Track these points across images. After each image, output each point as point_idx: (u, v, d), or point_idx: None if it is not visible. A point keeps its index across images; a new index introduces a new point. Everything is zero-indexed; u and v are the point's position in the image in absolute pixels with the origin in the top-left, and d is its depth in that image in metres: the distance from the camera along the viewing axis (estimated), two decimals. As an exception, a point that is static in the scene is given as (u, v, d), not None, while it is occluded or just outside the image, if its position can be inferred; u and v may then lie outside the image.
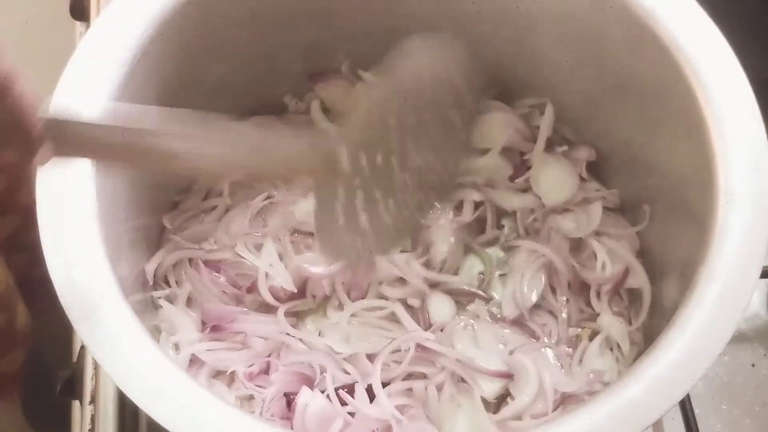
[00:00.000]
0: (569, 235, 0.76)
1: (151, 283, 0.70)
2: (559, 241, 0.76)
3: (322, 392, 0.67)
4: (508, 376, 0.69)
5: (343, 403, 0.67)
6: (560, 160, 0.78)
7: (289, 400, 0.68)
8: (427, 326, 0.72)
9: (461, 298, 0.75)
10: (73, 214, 0.55)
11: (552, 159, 0.78)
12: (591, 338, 0.72)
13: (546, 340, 0.73)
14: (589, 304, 0.74)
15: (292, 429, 0.65)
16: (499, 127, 0.79)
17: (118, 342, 0.52)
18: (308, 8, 0.71)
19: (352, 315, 0.73)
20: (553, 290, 0.75)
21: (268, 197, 0.77)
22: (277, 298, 0.72)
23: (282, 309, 0.71)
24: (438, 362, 0.69)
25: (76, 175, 0.56)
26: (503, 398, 0.70)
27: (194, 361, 0.68)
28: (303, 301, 0.73)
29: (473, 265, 0.77)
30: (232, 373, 0.68)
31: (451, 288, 0.75)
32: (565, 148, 0.79)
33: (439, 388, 0.69)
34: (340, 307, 0.73)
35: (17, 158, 0.84)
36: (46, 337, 0.86)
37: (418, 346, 0.69)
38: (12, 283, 0.84)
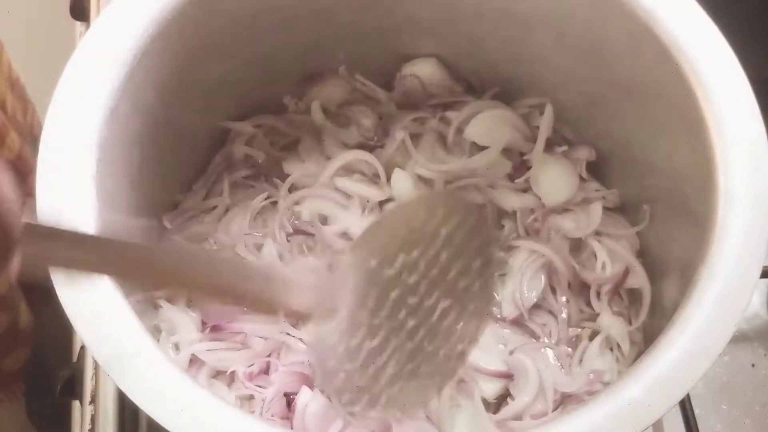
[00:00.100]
0: (569, 235, 0.76)
1: (151, 283, 0.70)
2: (559, 241, 0.76)
3: (322, 392, 0.67)
4: (508, 376, 0.69)
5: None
6: (560, 160, 0.78)
7: (289, 400, 0.68)
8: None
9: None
10: (73, 214, 0.55)
11: (552, 159, 0.78)
12: (591, 338, 0.72)
13: (546, 340, 0.73)
14: (589, 304, 0.74)
15: (292, 429, 0.65)
16: (499, 126, 0.79)
17: (118, 342, 0.52)
18: (308, 8, 0.71)
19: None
20: (553, 290, 0.75)
21: (269, 197, 0.77)
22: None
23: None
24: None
25: (77, 175, 0.56)
26: (503, 398, 0.70)
27: (194, 361, 0.68)
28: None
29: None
30: (232, 373, 0.68)
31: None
32: (564, 148, 0.79)
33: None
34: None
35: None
36: (46, 337, 0.86)
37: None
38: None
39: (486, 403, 0.69)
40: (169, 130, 0.69)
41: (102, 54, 0.59)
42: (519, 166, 0.79)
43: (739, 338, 0.80)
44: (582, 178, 0.78)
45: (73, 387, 0.73)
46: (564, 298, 0.74)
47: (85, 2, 0.86)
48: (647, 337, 0.71)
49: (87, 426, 0.71)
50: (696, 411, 0.71)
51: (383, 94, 0.81)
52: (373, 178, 0.78)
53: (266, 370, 0.69)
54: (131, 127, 0.62)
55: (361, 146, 0.79)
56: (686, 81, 0.60)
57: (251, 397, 0.68)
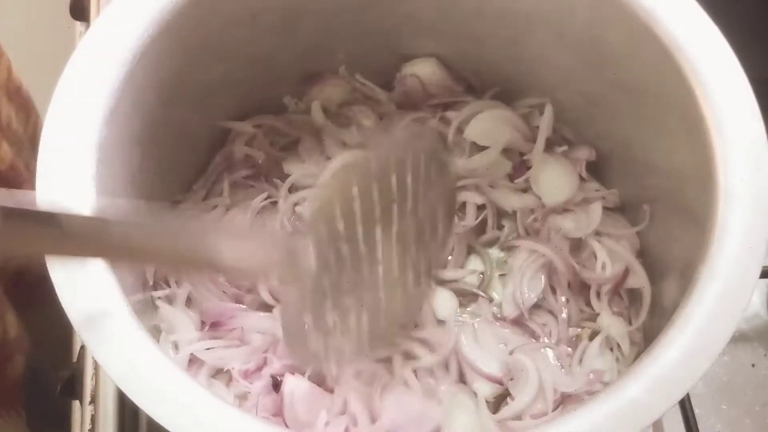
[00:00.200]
0: (569, 235, 0.76)
1: (151, 283, 0.70)
2: (559, 241, 0.76)
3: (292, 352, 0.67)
4: (500, 381, 0.70)
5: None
6: (560, 160, 0.78)
7: (276, 382, 0.68)
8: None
9: (462, 299, 0.75)
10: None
11: (552, 159, 0.78)
12: (591, 338, 0.72)
13: (546, 340, 0.73)
14: (589, 304, 0.74)
15: (284, 422, 0.65)
16: (499, 126, 0.79)
17: (118, 342, 0.52)
18: (308, 8, 0.71)
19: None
20: (553, 290, 0.75)
21: (269, 197, 0.77)
22: (276, 299, 0.72)
23: (279, 307, 0.71)
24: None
25: (77, 175, 0.56)
26: (503, 398, 0.70)
27: (194, 361, 0.68)
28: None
29: (475, 266, 0.77)
30: (231, 371, 0.68)
31: (453, 288, 0.75)
32: (564, 148, 0.79)
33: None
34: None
35: None
36: (46, 338, 0.85)
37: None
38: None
39: (484, 402, 0.69)
40: (169, 130, 0.69)
41: (102, 54, 0.59)
42: (519, 166, 0.79)
43: (739, 338, 0.80)
44: (582, 178, 0.78)
45: (73, 387, 0.73)
46: (564, 298, 0.74)
47: (85, 2, 0.86)
48: (647, 337, 0.71)
49: (87, 426, 0.71)
50: (696, 411, 0.71)
51: (383, 94, 0.81)
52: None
53: (262, 368, 0.69)
54: (131, 127, 0.62)
55: (361, 146, 0.79)
56: (686, 81, 0.60)
57: (247, 395, 0.68)
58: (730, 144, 0.58)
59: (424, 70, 0.80)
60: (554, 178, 0.78)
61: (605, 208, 0.77)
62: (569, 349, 0.73)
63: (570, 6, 0.67)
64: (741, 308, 0.54)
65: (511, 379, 0.70)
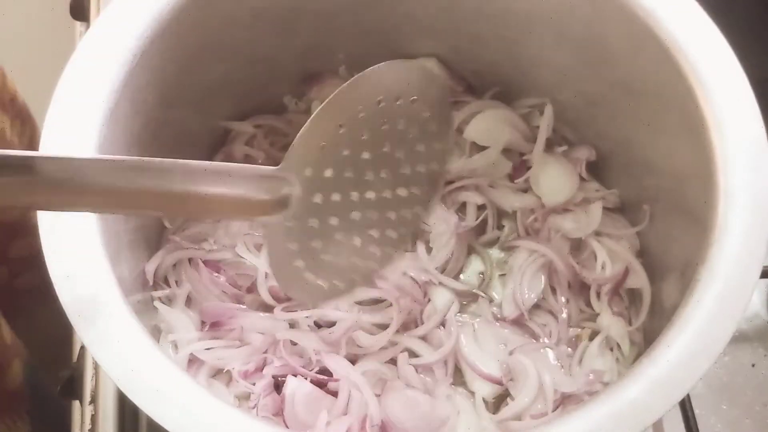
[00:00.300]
0: (569, 236, 0.76)
1: (151, 283, 0.70)
2: (559, 241, 0.76)
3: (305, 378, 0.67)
4: (500, 382, 0.70)
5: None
6: (560, 160, 0.78)
7: (278, 383, 0.68)
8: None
9: (463, 299, 0.75)
10: (73, 214, 0.55)
11: (552, 159, 0.78)
12: (591, 338, 0.72)
13: (546, 340, 0.73)
14: (589, 304, 0.74)
15: (285, 422, 0.65)
16: (499, 126, 0.79)
17: (118, 342, 0.52)
18: (308, 8, 0.71)
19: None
20: (553, 290, 0.75)
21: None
22: (276, 299, 0.72)
23: (279, 308, 0.71)
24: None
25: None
26: (503, 398, 0.70)
27: (193, 361, 0.68)
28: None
29: (475, 266, 0.77)
30: (231, 371, 0.68)
31: (454, 289, 0.75)
32: (564, 148, 0.79)
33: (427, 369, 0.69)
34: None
35: None
36: (46, 338, 0.85)
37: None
38: None
39: (484, 402, 0.69)
40: (169, 130, 0.69)
41: (102, 54, 0.59)
42: (519, 166, 0.79)
43: (739, 338, 0.80)
44: (582, 178, 0.78)
45: (73, 387, 0.73)
46: (564, 298, 0.74)
47: (85, 2, 0.86)
48: (647, 337, 0.71)
49: (87, 426, 0.71)
50: (696, 411, 0.71)
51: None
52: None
53: (262, 368, 0.69)
54: (131, 128, 0.62)
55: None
56: (686, 81, 0.60)
57: (249, 395, 0.68)
58: (730, 144, 0.58)
59: (424, 70, 0.80)
60: (554, 178, 0.78)
61: (605, 208, 0.77)
62: (569, 349, 0.73)
63: (570, 6, 0.67)
64: (741, 308, 0.54)
65: (511, 380, 0.70)
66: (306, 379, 0.67)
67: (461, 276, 0.77)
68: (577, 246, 0.76)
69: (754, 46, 0.63)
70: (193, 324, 0.70)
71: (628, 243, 0.75)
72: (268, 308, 0.72)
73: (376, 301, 0.73)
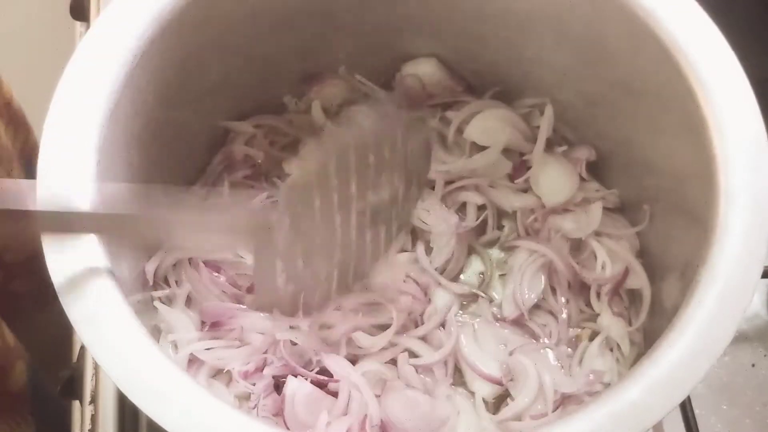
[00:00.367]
0: (569, 236, 0.76)
1: (151, 283, 0.70)
2: (559, 242, 0.76)
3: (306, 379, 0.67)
4: (500, 382, 0.70)
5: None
6: (560, 160, 0.78)
7: (278, 383, 0.68)
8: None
9: (463, 299, 0.75)
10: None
11: (552, 159, 0.78)
12: (591, 338, 0.72)
13: (546, 340, 0.73)
14: (589, 304, 0.74)
15: (285, 422, 0.65)
16: (499, 126, 0.79)
17: (118, 342, 0.52)
18: (308, 8, 0.71)
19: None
20: (553, 290, 0.75)
21: (269, 197, 0.77)
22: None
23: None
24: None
25: (77, 177, 0.56)
26: (503, 398, 0.70)
27: (193, 361, 0.68)
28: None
29: (475, 266, 0.77)
30: (230, 371, 0.68)
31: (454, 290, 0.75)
32: (564, 148, 0.79)
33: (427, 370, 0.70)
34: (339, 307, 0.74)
35: None
36: (46, 338, 0.85)
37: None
38: None
39: (484, 402, 0.69)
40: (168, 130, 0.69)
41: (102, 54, 0.59)
42: (519, 166, 0.79)
43: (739, 338, 0.80)
44: (582, 178, 0.78)
45: (73, 387, 0.73)
46: (564, 299, 0.74)
47: (85, 2, 0.86)
48: (647, 338, 0.71)
49: (87, 426, 0.71)
50: (696, 411, 0.71)
51: (383, 94, 0.81)
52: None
53: (262, 368, 0.69)
54: (131, 128, 0.62)
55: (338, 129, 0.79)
56: (686, 81, 0.60)
57: (249, 396, 0.68)
58: (730, 144, 0.58)
59: (424, 70, 0.80)
60: (554, 178, 0.78)
61: (605, 209, 0.77)
62: (569, 349, 0.73)
63: (570, 6, 0.67)
64: (742, 309, 0.54)
65: (511, 380, 0.70)
66: (306, 379, 0.67)
67: (461, 276, 0.77)
68: (577, 246, 0.76)
69: (754, 46, 0.63)
70: (193, 324, 0.70)
71: (628, 243, 0.75)
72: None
73: (376, 303, 0.73)
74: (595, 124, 0.77)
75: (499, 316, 0.74)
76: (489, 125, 0.79)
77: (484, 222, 0.78)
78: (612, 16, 0.64)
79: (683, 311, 0.54)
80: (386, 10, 0.74)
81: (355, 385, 0.66)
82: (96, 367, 0.73)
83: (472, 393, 0.70)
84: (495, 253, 0.78)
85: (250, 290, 0.72)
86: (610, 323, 0.72)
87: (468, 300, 0.75)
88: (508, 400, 0.70)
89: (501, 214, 0.79)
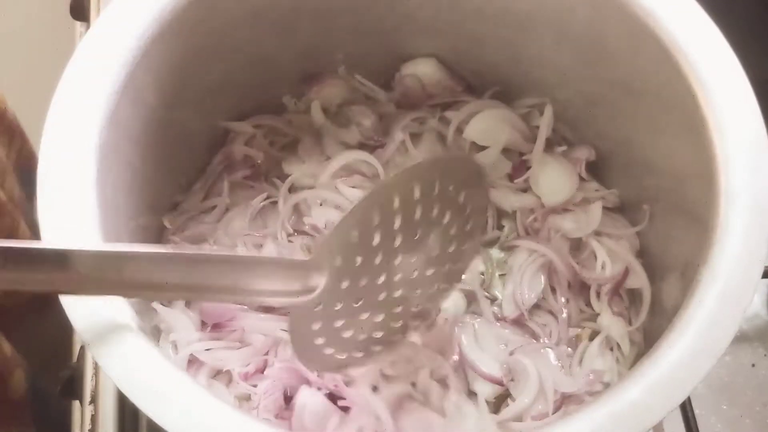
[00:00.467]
0: (569, 235, 0.76)
1: (150, 284, 0.70)
2: (558, 241, 0.76)
3: (319, 389, 0.67)
4: (501, 382, 0.70)
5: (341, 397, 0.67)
6: (560, 160, 0.78)
7: (287, 396, 0.68)
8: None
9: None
10: (73, 215, 0.55)
11: (551, 159, 0.78)
12: (591, 338, 0.72)
13: (546, 340, 0.73)
14: (589, 304, 0.74)
15: (290, 429, 0.65)
16: (498, 126, 0.79)
17: (118, 342, 0.52)
18: (308, 8, 0.71)
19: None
20: (553, 290, 0.75)
21: (268, 197, 0.77)
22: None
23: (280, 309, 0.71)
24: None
25: (77, 177, 0.56)
26: (503, 398, 0.70)
27: (193, 362, 0.68)
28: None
29: (475, 266, 0.77)
30: (230, 372, 0.68)
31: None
32: (564, 147, 0.79)
33: (441, 382, 0.69)
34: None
35: None
36: (46, 339, 0.85)
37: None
38: None
39: (486, 403, 0.69)
40: (169, 130, 0.69)
41: (102, 54, 0.59)
42: (518, 166, 0.79)
43: (740, 338, 0.80)
44: (582, 178, 0.78)
45: (73, 387, 0.73)
46: (564, 298, 0.74)
47: (85, 2, 0.86)
48: (647, 338, 0.71)
49: (87, 426, 0.71)
50: (696, 411, 0.71)
51: (383, 94, 0.81)
52: (373, 179, 0.78)
53: (263, 369, 0.69)
54: (131, 129, 0.62)
55: (361, 146, 0.79)
56: (686, 81, 0.60)
57: (250, 397, 0.68)
58: (730, 144, 0.58)
59: (423, 70, 0.80)
60: (554, 178, 0.78)
61: (605, 208, 0.77)
62: (569, 349, 0.73)
63: (570, 5, 0.67)
64: (742, 309, 0.54)
65: (512, 380, 0.70)
66: (319, 389, 0.67)
67: (462, 276, 0.77)
68: (577, 246, 0.76)
69: (754, 46, 0.63)
70: (193, 325, 0.70)
71: (628, 243, 0.75)
72: (268, 309, 0.72)
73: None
74: (594, 123, 0.77)
75: (499, 315, 0.74)
76: (488, 125, 0.79)
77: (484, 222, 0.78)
78: (612, 15, 0.64)
79: (683, 311, 0.54)
80: (386, 10, 0.74)
81: (375, 413, 0.65)
82: (96, 367, 0.73)
83: (474, 393, 0.70)
84: (495, 253, 0.78)
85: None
86: (610, 323, 0.72)
87: (468, 300, 0.75)
88: (509, 400, 0.70)
89: (501, 214, 0.79)
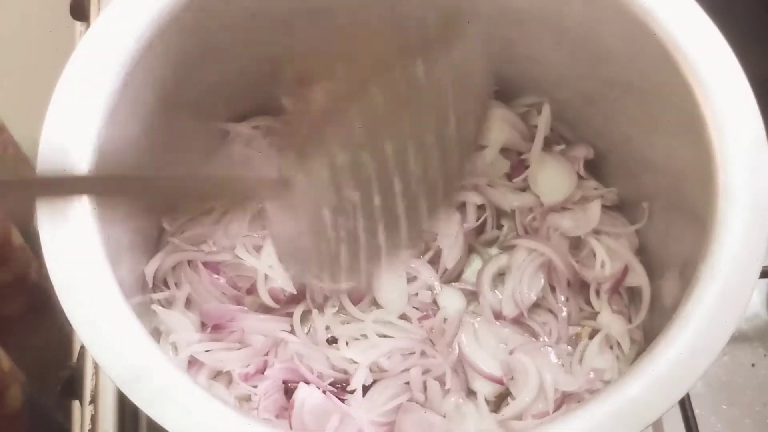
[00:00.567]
0: (568, 234, 0.76)
1: (150, 285, 0.70)
2: (558, 240, 0.76)
3: (319, 387, 0.67)
4: (501, 381, 0.70)
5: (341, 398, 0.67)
6: (558, 158, 0.78)
7: (288, 388, 0.68)
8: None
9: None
10: (73, 216, 0.55)
11: (550, 158, 0.78)
12: (591, 337, 0.72)
13: (546, 339, 0.73)
14: (588, 302, 0.75)
15: (291, 426, 0.65)
16: (497, 125, 0.79)
17: (118, 343, 0.52)
18: (306, 9, 0.71)
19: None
20: (553, 289, 0.75)
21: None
22: (276, 300, 0.72)
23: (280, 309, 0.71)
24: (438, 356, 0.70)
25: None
26: (503, 397, 0.70)
27: (193, 363, 0.68)
28: (302, 303, 0.73)
29: (475, 265, 0.77)
30: (231, 373, 0.68)
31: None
32: (563, 146, 0.79)
33: (441, 381, 0.69)
34: (342, 309, 0.74)
35: None
36: (46, 339, 0.85)
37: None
38: None
39: (486, 402, 0.69)
40: (167, 131, 0.69)
41: (102, 54, 0.59)
42: (517, 165, 0.79)
43: (739, 338, 0.80)
44: (580, 177, 0.78)
45: (73, 387, 0.73)
46: (563, 297, 0.74)
47: (85, 2, 0.86)
48: (647, 335, 0.71)
49: (87, 426, 0.71)
50: (696, 411, 0.71)
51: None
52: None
53: (263, 370, 0.69)
54: (131, 128, 0.62)
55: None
56: (685, 80, 0.60)
57: (250, 397, 0.68)
58: (729, 143, 0.58)
59: (423, 70, 0.80)
60: (552, 177, 0.78)
61: (604, 207, 0.77)
62: (569, 347, 0.73)
63: (568, 5, 0.67)
64: (741, 307, 0.54)
65: (512, 379, 0.70)
66: (318, 388, 0.67)
67: (462, 276, 0.77)
68: (576, 244, 0.76)
69: (754, 46, 0.63)
70: (192, 326, 0.70)
71: (627, 241, 0.75)
72: (268, 310, 0.72)
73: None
74: (593, 122, 0.77)
75: (499, 314, 0.74)
76: (487, 125, 0.79)
77: (483, 221, 0.78)
78: (610, 14, 0.64)
79: (683, 309, 0.54)
80: (386, 10, 0.74)
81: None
82: (96, 367, 0.73)
83: (474, 393, 0.70)
84: (494, 252, 0.78)
85: (250, 291, 0.72)
86: (610, 321, 0.72)
87: (468, 299, 0.76)
88: (509, 399, 0.70)
89: (500, 213, 0.79)
